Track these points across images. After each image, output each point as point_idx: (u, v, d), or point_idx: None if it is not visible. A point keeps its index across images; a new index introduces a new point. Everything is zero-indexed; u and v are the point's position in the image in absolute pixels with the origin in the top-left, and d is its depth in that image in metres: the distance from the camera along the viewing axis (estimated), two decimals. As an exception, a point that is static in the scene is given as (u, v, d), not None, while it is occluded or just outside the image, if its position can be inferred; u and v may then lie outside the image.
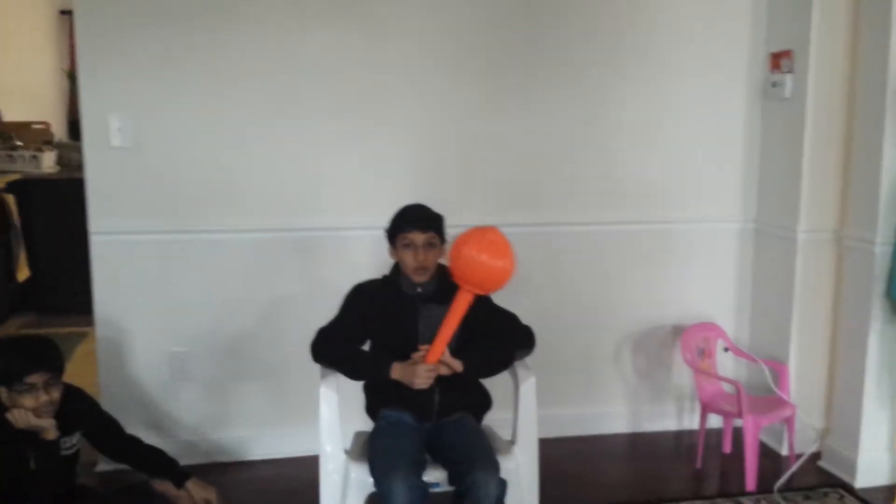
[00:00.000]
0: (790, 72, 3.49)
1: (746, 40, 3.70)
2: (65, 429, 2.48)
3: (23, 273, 5.38)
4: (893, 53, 3.10)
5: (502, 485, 2.44)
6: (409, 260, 2.60)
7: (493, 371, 2.69)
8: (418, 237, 2.59)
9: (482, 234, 2.57)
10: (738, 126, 3.77)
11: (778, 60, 3.57)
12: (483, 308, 2.69)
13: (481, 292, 2.57)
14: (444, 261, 2.67)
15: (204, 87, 3.26)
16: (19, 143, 5.66)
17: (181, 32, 3.21)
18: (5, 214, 5.19)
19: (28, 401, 2.37)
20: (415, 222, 2.61)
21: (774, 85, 3.59)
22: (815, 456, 3.52)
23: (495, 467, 2.41)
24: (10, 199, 5.24)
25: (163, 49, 3.21)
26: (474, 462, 2.39)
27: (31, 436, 2.41)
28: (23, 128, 5.91)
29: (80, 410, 2.58)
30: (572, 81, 3.57)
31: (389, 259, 2.71)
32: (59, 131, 6.94)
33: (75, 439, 2.56)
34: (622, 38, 3.59)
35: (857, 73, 3.34)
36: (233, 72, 3.27)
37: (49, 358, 2.45)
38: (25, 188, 5.33)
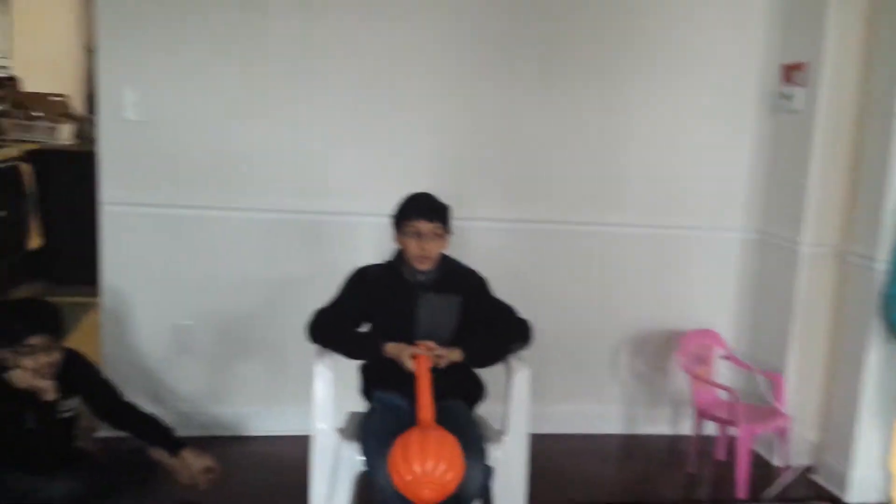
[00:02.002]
0: (802, 84, 3.48)
1: (759, 51, 3.70)
2: (64, 391, 2.52)
3: (34, 242, 5.44)
4: (907, 70, 3.10)
5: (488, 471, 2.46)
6: (412, 248, 2.62)
7: (489, 361, 2.70)
8: (424, 226, 2.61)
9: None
10: (747, 136, 3.77)
11: (790, 72, 3.56)
12: (482, 298, 2.72)
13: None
14: (447, 251, 2.70)
15: (220, 66, 3.30)
16: (38, 113, 5.71)
17: (199, 9, 3.25)
18: (20, 183, 5.24)
19: (28, 362, 2.41)
20: (422, 211, 2.63)
21: (785, 97, 3.58)
22: (808, 469, 3.53)
23: (481, 453, 2.43)
24: (26, 169, 5.29)
25: (180, 25, 3.25)
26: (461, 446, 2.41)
27: (31, 396, 2.44)
28: (41, 99, 5.94)
29: (80, 374, 2.61)
30: (586, 83, 3.59)
31: (392, 246, 2.74)
32: (79, 105, 7.01)
33: (74, 403, 2.59)
34: (636, 43, 3.61)
35: (869, 88, 3.33)
36: (249, 51, 3.31)
37: (50, 321, 2.48)
38: (42, 158, 5.38)
